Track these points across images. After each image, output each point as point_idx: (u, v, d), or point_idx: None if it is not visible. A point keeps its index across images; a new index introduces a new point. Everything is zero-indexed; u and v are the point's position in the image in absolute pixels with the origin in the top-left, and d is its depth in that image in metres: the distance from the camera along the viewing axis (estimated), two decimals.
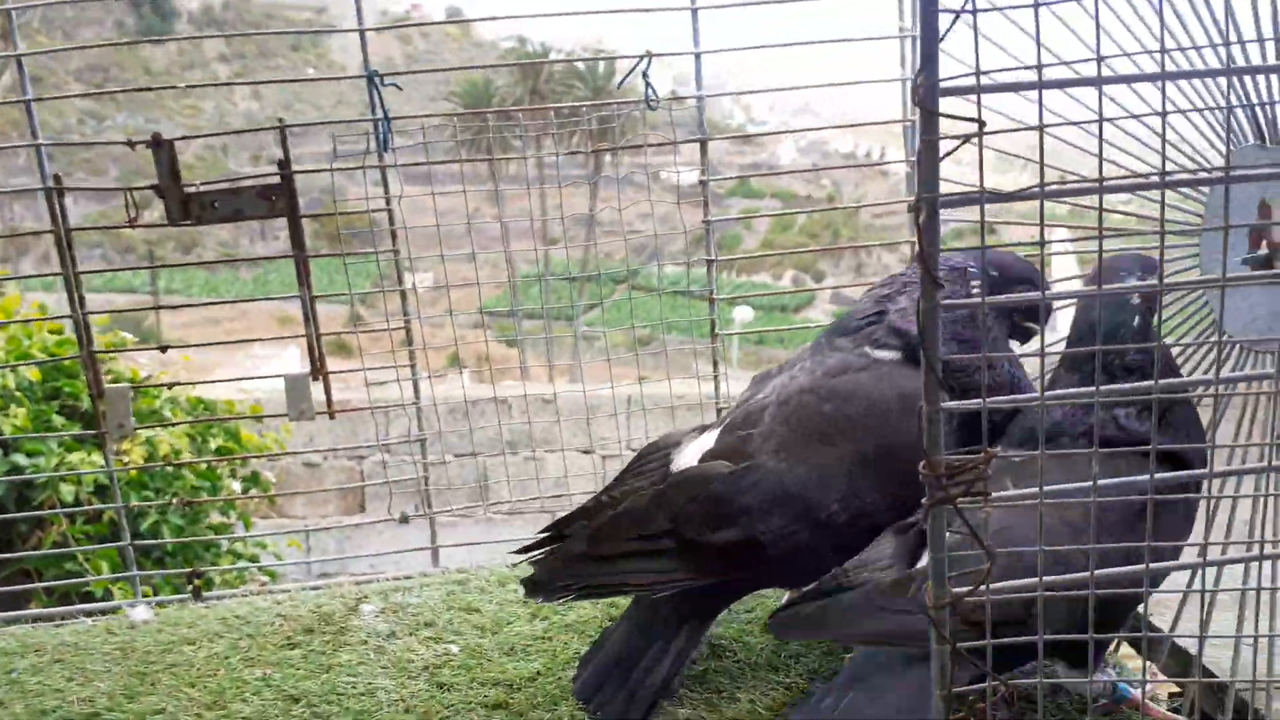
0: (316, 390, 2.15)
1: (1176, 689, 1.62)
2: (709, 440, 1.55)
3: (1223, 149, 1.55)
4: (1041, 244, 0.87)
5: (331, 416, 2.17)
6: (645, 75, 2.11)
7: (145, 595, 2.16)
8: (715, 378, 2.30)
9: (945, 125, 0.82)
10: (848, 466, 1.42)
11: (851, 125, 2.52)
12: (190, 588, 2.08)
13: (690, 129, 2.23)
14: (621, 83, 2.17)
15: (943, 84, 0.80)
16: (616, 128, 2.30)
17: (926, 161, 0.82)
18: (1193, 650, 1.53)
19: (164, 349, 2.17)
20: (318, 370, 2.15)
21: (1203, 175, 1.53)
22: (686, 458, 1.54)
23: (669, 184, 2.43)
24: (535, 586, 1.51)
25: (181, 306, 13.05)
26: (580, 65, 27.13)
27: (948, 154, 0.82)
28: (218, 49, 35.71)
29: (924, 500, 0.86)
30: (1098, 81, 0.82)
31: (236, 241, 26.23)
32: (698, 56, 2.18)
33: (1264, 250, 1.51)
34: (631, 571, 1.46)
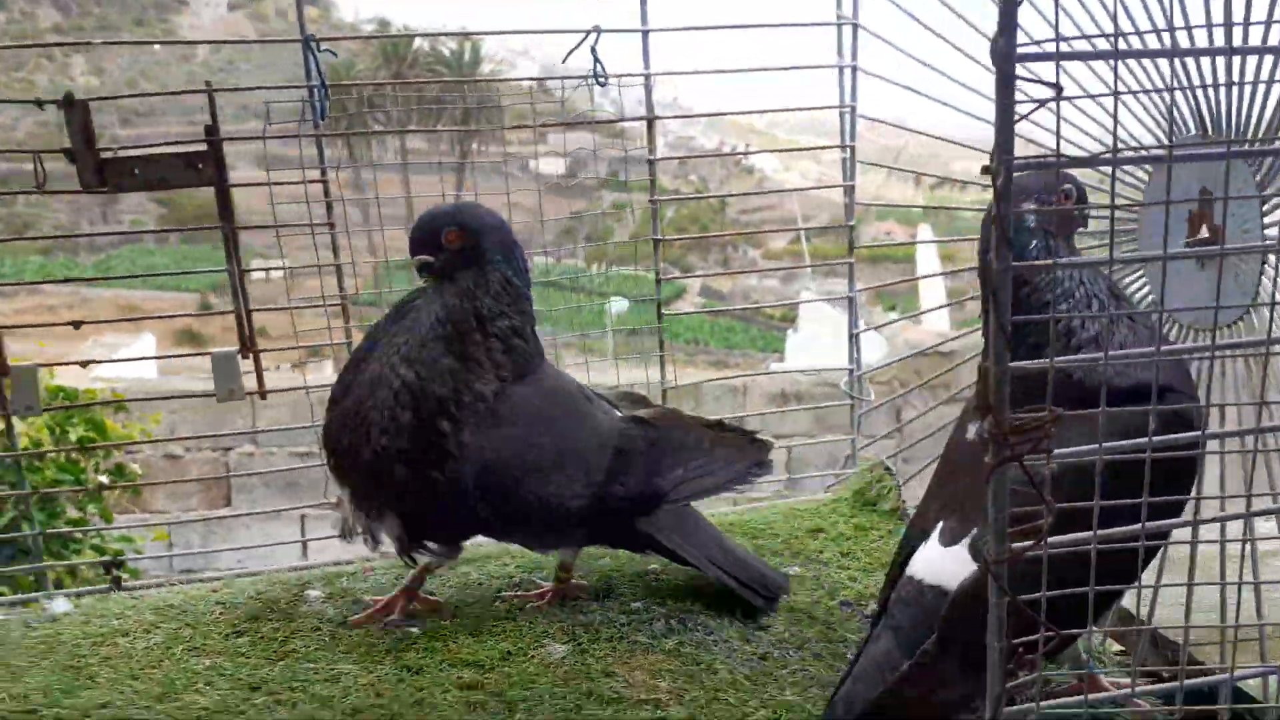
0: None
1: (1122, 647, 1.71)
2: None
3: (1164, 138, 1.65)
4: (1112, 210, 0.90)
5: (263, 397, 2.07)
6: (594, 50, 2.10)
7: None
8: (661, 360, 2.32)
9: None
10: None
11: (781, 108, 2.57)
12: (110, 578, 1.95)
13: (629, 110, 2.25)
14: (567, 58, 2.14)
15: (1020, 49, 0.82)
16: (481, 111, 2.20)
17: (1002, 125, 0.83)
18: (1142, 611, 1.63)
19: (77, 325, 2.03)
20: (247, 348, 2.05)
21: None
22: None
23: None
24: None
25: (17, 285, 12.32)
26: (446, 51, 26.53)
27: (1023, 117, 0.84)
28: (52, 19, 33.46)
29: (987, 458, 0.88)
30: (1170, 53, 0.86)
31: (75, 224, 24.64)
32: (645, 34, 2.18)
33: (1204, 234, 1.62)
34: None
